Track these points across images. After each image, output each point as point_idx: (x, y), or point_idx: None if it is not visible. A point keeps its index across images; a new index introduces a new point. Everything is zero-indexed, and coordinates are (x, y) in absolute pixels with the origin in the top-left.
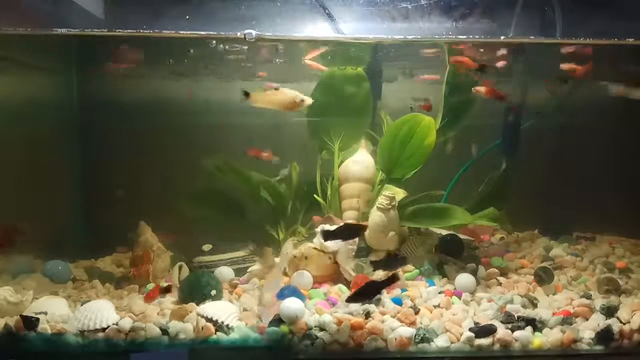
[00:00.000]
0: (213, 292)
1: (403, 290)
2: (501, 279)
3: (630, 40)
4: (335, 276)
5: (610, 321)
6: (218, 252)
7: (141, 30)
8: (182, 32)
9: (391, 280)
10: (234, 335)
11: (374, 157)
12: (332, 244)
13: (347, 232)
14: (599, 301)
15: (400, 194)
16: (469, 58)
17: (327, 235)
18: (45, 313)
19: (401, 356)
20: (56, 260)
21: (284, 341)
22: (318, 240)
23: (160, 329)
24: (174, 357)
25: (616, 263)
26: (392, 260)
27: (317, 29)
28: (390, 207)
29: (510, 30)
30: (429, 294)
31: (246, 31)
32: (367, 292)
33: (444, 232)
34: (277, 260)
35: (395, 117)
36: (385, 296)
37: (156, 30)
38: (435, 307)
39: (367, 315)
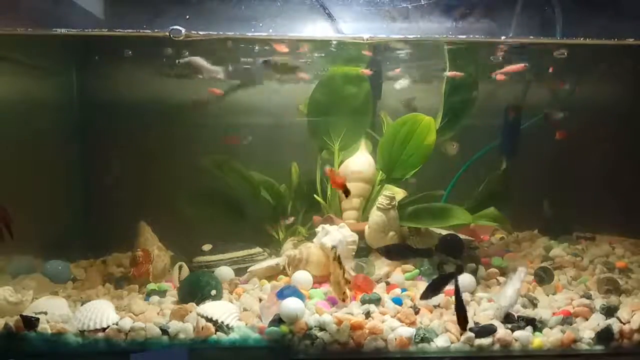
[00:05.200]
0: (213, 292)
1: (403, 290)
2: (501, 279)
3: (630, 40)
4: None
5: (610, 321)
6: (218, 252)
7: (141, 30)
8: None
9: (455, 274)
10: (234, 335)
11: (374, 157)
12: (331, 244)
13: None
14: (599, 301)
15: (400, 194)
16: None
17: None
18: (45, 313)
19: (401, 356)
20: (56, 260)
21: (284, 341)
22: (318, 240)
23: (160, 329)
24: (173, 357)
25: (616, 263)
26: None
27: (317, 28)
28: (390, 207)
29: (510, 30)
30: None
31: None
32: (438, 287)
33: (444, 232)
34: (277, 260)
35: (395, 117)
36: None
37: (156, 30)
38: (435, 307)
39: (367, 315)
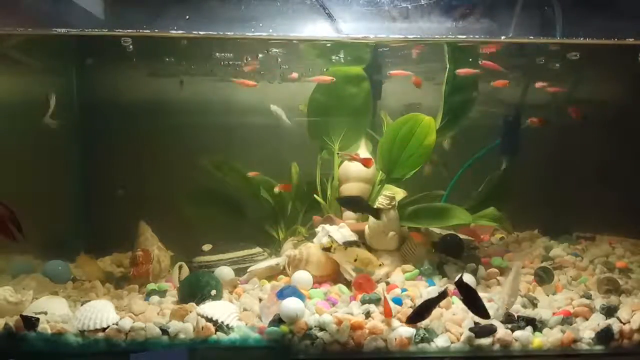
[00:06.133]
0: (213, 292)
1: (403, 290)
2: (501, 279)
3: (630, 40)
4: (335, 276)
5: (610, 321)
6: (218, 252)
7: (141, 30)
8: (181, 32)
9: (442, 296)
10: (234, 335)
11: (374, 157)
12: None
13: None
14: (599, 301)
15: (400, 194)
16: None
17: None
18: (45, 313)
19: (401, 356)
20: (56, 260)
21: (284, 341)
22: (318, 240)
23: (160, 329)
24: (173, 357)
25: (616, 263)
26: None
27: (317, 28)
28: (390, 207)
29: (510, 30)
30: (429, 294)
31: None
32: (423, 312)
33: (444, 232)
34: (277, 260)
35: (395, 117)
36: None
37: (156, 30)
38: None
39: (367, 315)
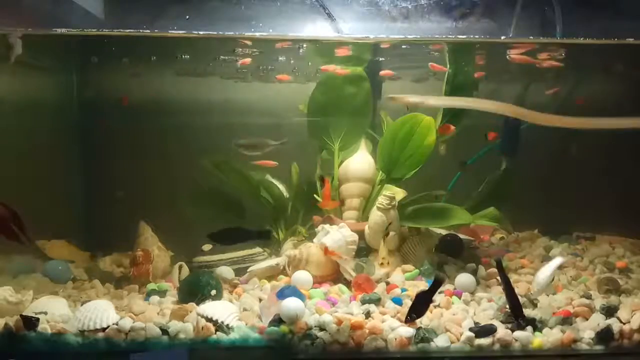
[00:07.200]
0: (213, 292)
1: (403, 290)
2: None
3: (630, 40)
4: (335, 276)
5: (610, 321)
6: (218, 252)
7: (141, 30)
8: (181, 32)
9: (436, 285)
10: (234, 335)
11: (374, 157)
12: (331, 244)
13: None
14: (599, 301)
15: (400, 194)
16: None
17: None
18: (45, 313)
19: (401, 356)
20: (56, 260)
21: (284, 341)
22: (318, 240)
23: (160, 329)
24: (173, 357)
25: (616, 263)
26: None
27: (317, 28)
28: (390, 207)
29: (510, 30)
30: None
31: None
32: (419, 306)
33: (444, 232)
34: (277, 260)
35: (395, 117)
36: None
37: (156, 31)
38: (435, 307)
39: (367, 315)
